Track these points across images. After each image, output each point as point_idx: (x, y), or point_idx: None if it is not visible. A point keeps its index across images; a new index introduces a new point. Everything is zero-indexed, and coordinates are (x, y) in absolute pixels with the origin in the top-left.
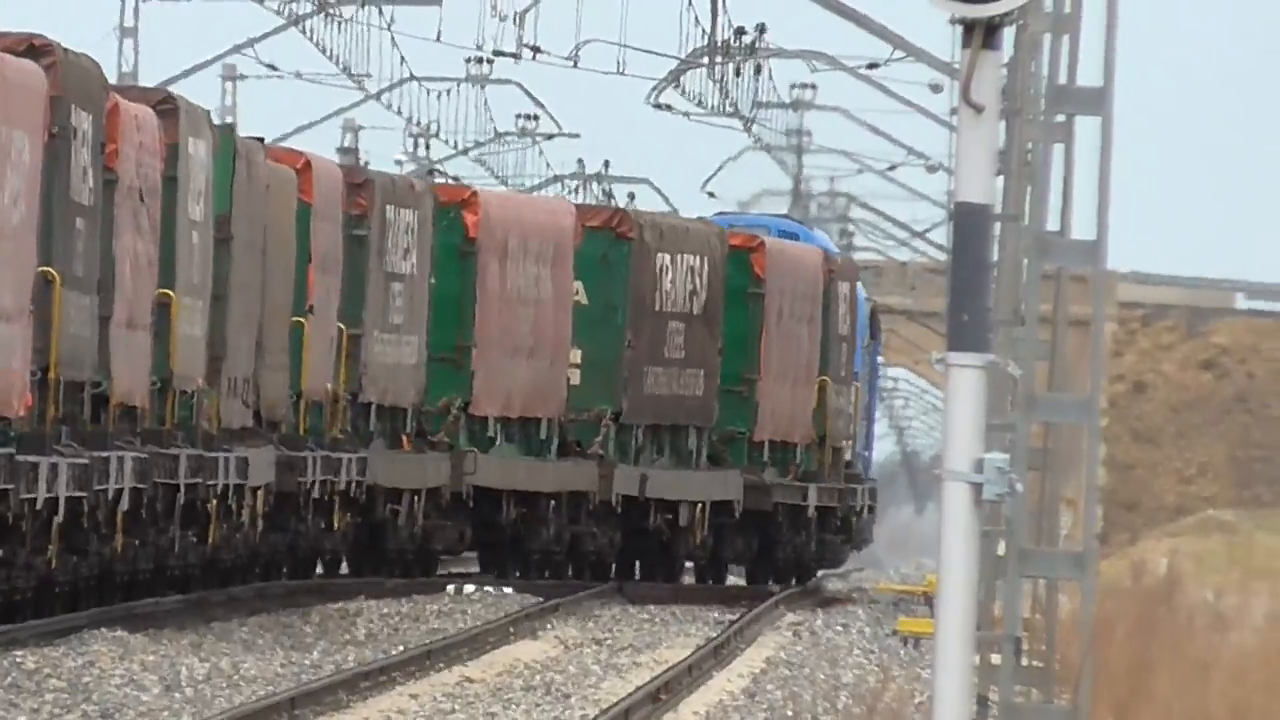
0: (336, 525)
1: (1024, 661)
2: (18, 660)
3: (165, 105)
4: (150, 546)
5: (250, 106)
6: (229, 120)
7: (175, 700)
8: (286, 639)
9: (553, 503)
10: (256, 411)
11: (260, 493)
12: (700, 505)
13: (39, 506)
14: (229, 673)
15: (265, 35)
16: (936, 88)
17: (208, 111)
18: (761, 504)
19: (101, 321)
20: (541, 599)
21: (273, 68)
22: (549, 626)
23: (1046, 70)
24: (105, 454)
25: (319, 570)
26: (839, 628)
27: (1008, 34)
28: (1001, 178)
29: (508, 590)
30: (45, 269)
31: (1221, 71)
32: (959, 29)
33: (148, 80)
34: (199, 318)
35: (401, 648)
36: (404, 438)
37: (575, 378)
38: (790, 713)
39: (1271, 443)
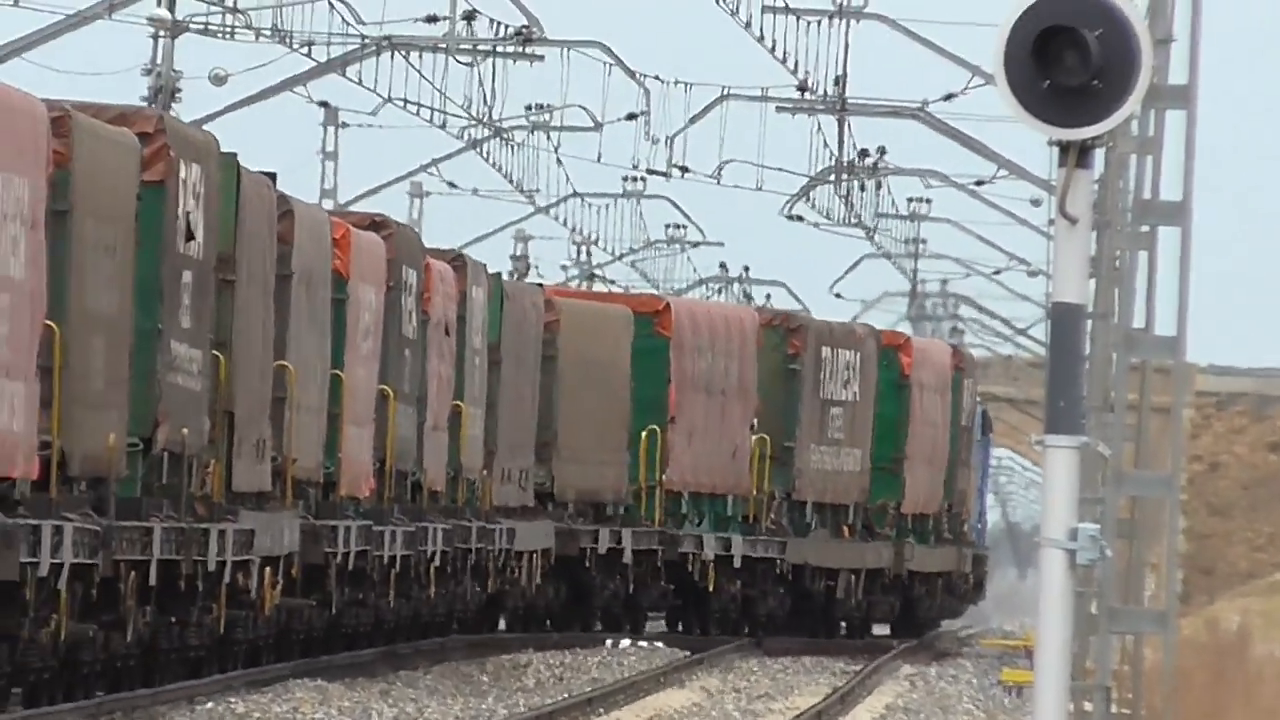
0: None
1: (1113, 708)
2: (231, 705)
3: (457, 262)
4: (450, 595)
5: (433, 219)
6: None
7: None
8: (465, 686)
9: (940, 580)
10: (538, 493)
11: (536, 556)
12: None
13: (385, 562)
14: (414, 716)
15: (447, 156)
16: (1036, 202)
17: (484, 264)
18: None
19: (418, 426)
20: (689, 652)
21: (453, 185)
22: (694, 677)
23: (1133, 186)
24: (424, 524)
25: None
26: (950, 678)
27: (1099, 154)
28: (1093, 281)
29: (658, 645)
30: (383, 387)
31: None
32: (1056, 150)
33: (344, 195)
34: (479, 422)
35: (566, 695)
36: (845, 528)
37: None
38: None
39: None
